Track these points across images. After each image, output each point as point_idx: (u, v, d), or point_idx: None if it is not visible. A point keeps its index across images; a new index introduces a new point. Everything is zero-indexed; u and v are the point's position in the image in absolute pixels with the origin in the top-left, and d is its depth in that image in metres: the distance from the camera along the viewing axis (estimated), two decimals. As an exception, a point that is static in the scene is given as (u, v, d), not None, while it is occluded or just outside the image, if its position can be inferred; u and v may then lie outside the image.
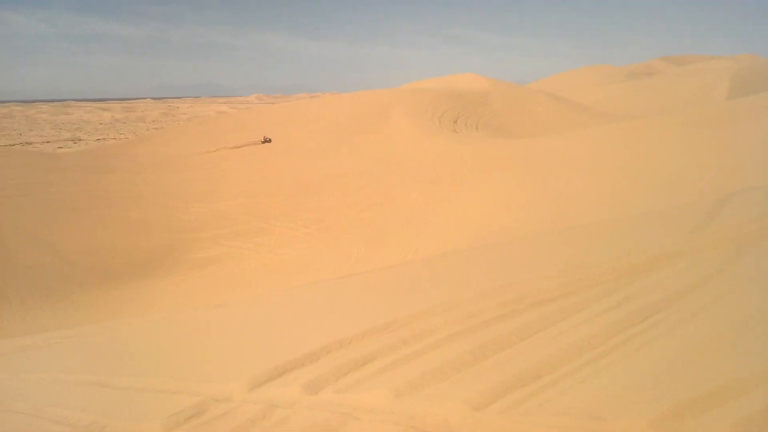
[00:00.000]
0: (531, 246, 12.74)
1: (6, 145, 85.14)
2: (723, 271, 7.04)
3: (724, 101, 69.46)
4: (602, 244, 10.82)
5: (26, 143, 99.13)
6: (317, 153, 43.85)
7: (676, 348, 5.09)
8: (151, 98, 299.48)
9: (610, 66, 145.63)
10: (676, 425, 3.77)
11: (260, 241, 28.45)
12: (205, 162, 43.56)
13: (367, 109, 54.73)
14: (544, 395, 4.79)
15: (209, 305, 13.68)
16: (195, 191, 35.40)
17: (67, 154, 48.73)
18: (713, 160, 22.11)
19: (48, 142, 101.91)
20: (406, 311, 7.88)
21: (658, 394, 4.23)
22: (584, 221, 16.82)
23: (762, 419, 3.54)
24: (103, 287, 23.70)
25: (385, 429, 4.81)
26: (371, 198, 32.45)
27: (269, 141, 34.56)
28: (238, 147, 42.37)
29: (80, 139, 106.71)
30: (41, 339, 11.46)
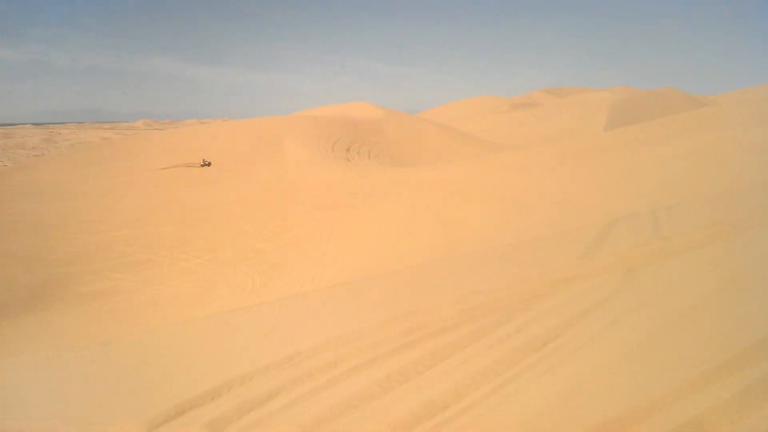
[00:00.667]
0: (429, 273, 12.89)
1: None
2: (616, 295, 7.33)
3: (602, 132, 73.15)
4: (498, 270, 11.08)
5: None
6: (209, 180, 42.94)
7: (578, 373, 5.24)
8: (31, 124, 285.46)
9: (496, 97, 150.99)
10: (585, 450, 3.85)
11: (149, 274, 27.43)
12: (88, 190, 41.81)
13: (259, 136, 54.18)
14: (454, 425, 4.82)
15: (97, 342, 13.03)
16: (77, 221, 33.86)
17: (-64, 184, 45.65)
18: (596, 187, 23.18)
19: None
20: (309, 343, 7.78)
21: (568, 421, 4.33)
22: (479, 248, 17.20)
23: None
24: (-21, 326, 22.18)
25: (293, 468, 4.70)
26: (266, 227, 32.01)
27: (209, 164, 33.04)
28: (167, 168, 40.46)
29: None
30: None
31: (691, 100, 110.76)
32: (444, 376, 5.90)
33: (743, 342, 4.73)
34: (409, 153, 58.56)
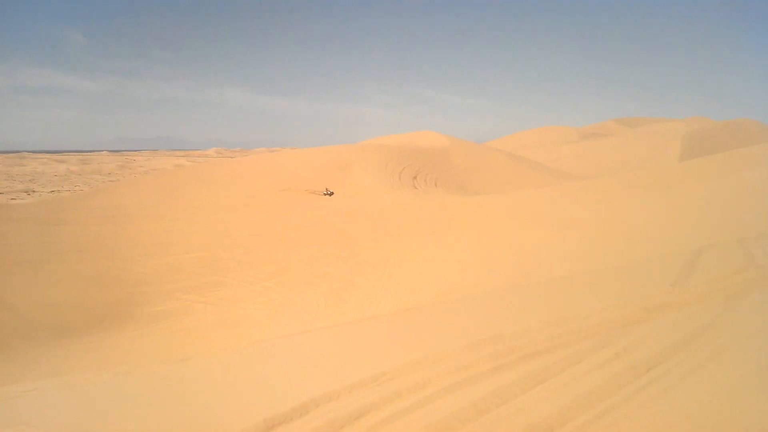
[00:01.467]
0: (506, 299, 12.63)
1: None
2: (717, 323, 6.99)
3: (677, 162, 71.44)
4: (584, 296, 10.76)
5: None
6: (277, 206, 43.52)
7: (690, 400, 4.96)
8: (107, 151, 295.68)
9: (566, 127, 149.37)
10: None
11: (218, 295, 27.80)
12: (160, 214, 42.82)
13: (328, 164, 54.79)
14: (561, 449, 4.59)
15: (174, 359, 13.17)
16: (149, 244, 34.65)
17: (20, 205, 47.42)
18: (676, 217, 22.52)
19: (0, 193, 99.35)
20: (393, 363, 7.63)
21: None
22: (554, 275, 16.82)
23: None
24: (56, 342, 22.78)
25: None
26: (333, 252, 32.14)
27: (332, 194, 33.05)
28: (299, 191, 40.63)
29: (34, 191, 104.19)
30: (-3, 394, 10.82)
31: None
32: (544, 399, 5.68)
33: None
34: (477, 181, 58.30)
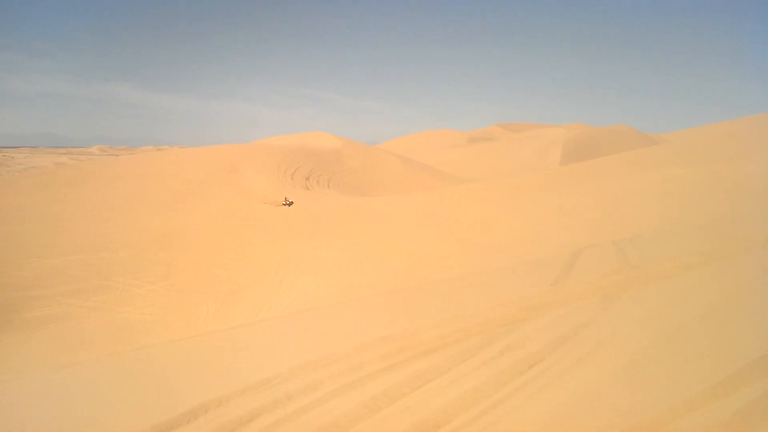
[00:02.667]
0: (398, 300, 12.83)
1: None
2: (594, 322, 7.38)
3: (558, 166, 74.42)
4: (471, 296, 11.08)
5: None
6: (166, 207, 42.32)
7: (568, 395, 5.23)
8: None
9: (454, 131, 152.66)
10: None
11: (101, 300, 26.75)
12: (41, 214, 40.80)
13: (218, 164, 53.76)
14: (448, 445, 4.74)
15: (56, 366, 12.62)
16: (29, 245, 32.94)
17: None
18: (556, 219, 23.51)
19: None
20: (285, 366, 7.64)
21: (566, 438, 4.29)
22: (443, 276, 17.21)
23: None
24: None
25: (285, 488, 4.56)
26: (224, 254, 31.60)
27: (291, 203, 31.54)
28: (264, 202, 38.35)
29: None
30: None
31: (643, 137, 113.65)
32: (432, 397, 5.84)
33: (733, 364, 4.79)
34: (369, 183, 58.72)
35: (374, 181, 60.03)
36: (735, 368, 4.70)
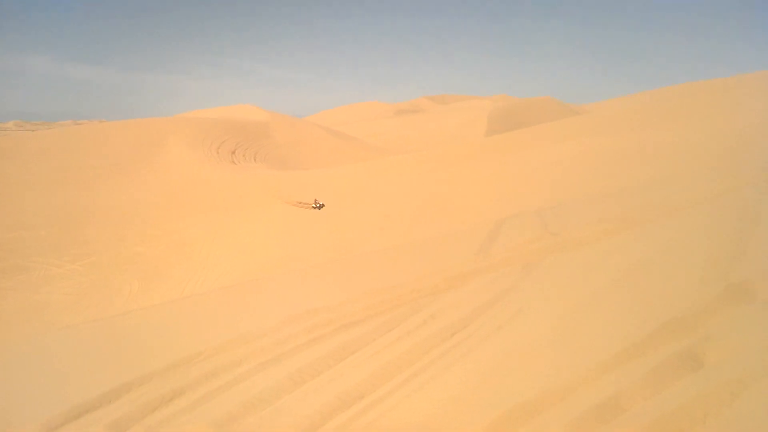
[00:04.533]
0: (326, 273, 12.82)
1: None
2: (515, 288, 7.54)
3: (483, 137, 75.40)
4: (398, 267, 11.16)
5: None
6: (87, 184, 40.97)
7: (490, 360, 5.33)
8: None
9: (382, 102, 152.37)
10: (509, 430, 3.91)
11: (20, 280, 25.83)
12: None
13: (141, 138, 52.27)
14: (371, 414, 4.79)
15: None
16: (-60, 226, 31.50)
17: None
18: (481, 190, 23.85)
19: None
20: (209, 343, 7.54)
21: (485, 403, 4.38)
22: (372, 248, 17.28)
23: (591, 418, 3.78)
24: None
25: (209, 463, 4.52)
26: (146, 231, 30.88)
27: (322, 206, 29.32)
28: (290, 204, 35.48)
29: None
30: None
31: (566, 108, 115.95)
32: (356, 368, 5.87)
33: (646, 326, 4.96)
34: (297, 156, 58.22)
35: (302, 154, 59.56)
36: (648, 330, 4.87)
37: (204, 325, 9.65)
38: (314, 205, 27.72)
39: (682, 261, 6.95)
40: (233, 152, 54.18)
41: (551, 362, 4.91)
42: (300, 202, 30.12)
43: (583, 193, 18.67)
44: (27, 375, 8.52)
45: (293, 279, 12.85)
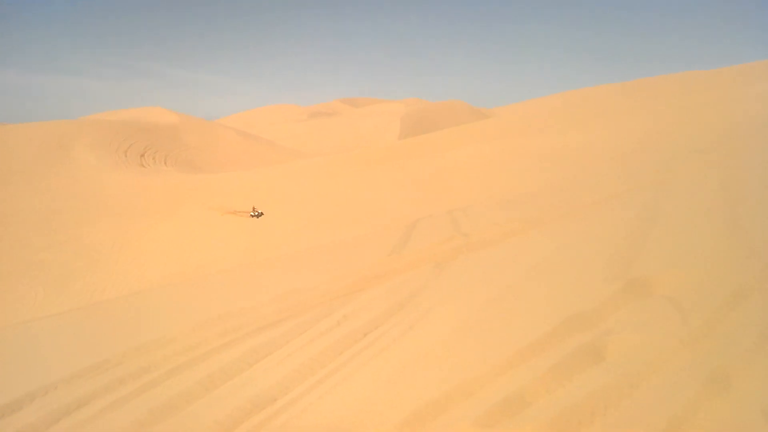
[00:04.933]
0: (239, 277, 12.71)
1: None
2: (427, 287, 7.69)
3: (396, 140, 76.04)
4: (311, 270, 11.18)
5: None
6: (-16, 189, 39.13)
7: (402, 358, 5.43)
8: None
9: (296, 105, 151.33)
10: (420, 427, 4.00)
11: None
12: None
13: (45, 141, 50.25)
14: (284, 416, 4.80)
15: None
16: None
17: None
18: (395, 192, 24.12)
19: None
20: (116, 350, 7.37)
21: (397, 401, 4.46)
22: (285, 251, 17.21)
23: (498, 413, 3.91)
24: None
25: (116, 473, 4.43)
26: (51, 236, 29.74)
27: (261, 215, 27.54)
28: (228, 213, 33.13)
29: None
30: None
31: (476, 112, 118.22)
32: (268, 371, 5.86)
33: (550, 322, 5.16)
34: (208, 159, 57.23)
35: (213, 157, 58.60)
36: (552, 325, 5.07)
37: (111, 332, 9.42)
38: (252, 214, 27.18)
39: (585, 258, 7.24)
40: (142, 155, 52.83)
41: (459, 360, 5.04)
42: (237, 211, 29.45)
43: (492, 194, 19.14)
44: None
45: (204, 284, 12.69)
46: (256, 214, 26.74)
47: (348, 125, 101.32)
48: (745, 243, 6.49)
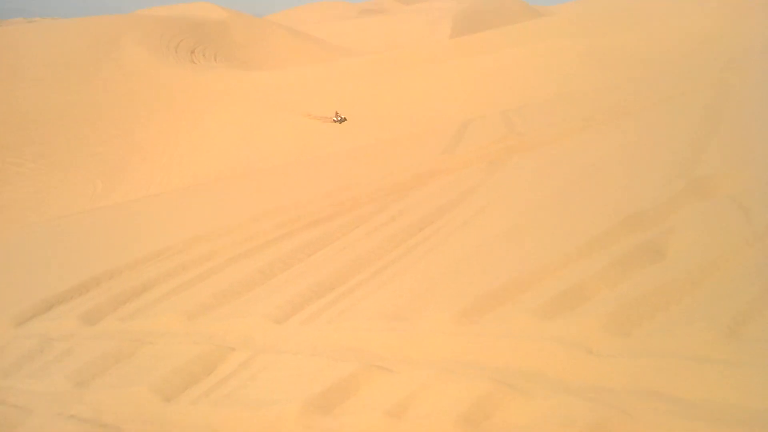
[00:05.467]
0: (292, 172, 12.85)
1: None
2: (480, 186, 7.67)
3: (447, 39, 74.29)
4: (363, 167, 11.23)
5: None
6: (42, 81, 39.65)
7: (456, 253, 5.49)
8: None
9: (345, 2, 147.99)
10: (478, 317, 4.07)
11: (-22, 180, 25.38)
12: None
13: (96, 36, 50.33)
14: (343, 303, 4.93)
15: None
16: None
17: None
18: (447, 91, 23.78)
19: None
20: (177, 239, 7.60)
21: (454, 293, 4.53)
22: (335, 149, 17.27)
23: (556, 305, 3.94)
24: None
25: (183, 350, 4.64)
26: (106, 131, 30.27)
27: (343, 120, 27.43)
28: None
29: None
30: None
31: (531, 10, 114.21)
32: (326, 261, 6.00)
33: (609, 220, 5.13)
34: (257, 57, 56.78)
35: (262, 54, 58.05)
36: (612, 223, 5.03)
37: (171, 221, 9.69)
38: (335, 119, 26.96)
39: (645, 159, 7.11)
40: (192, 51, 52.63)
41: (516, 255, 5.06)
42: (319, 116, 29.27)
43: (547, 94, 18.72)
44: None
45: (257, 178, 12.87)
46: (339, 119, 26.52)
47: (398, 23, 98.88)
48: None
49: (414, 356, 3.87)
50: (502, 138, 10.48)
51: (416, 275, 5.18)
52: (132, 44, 48.23)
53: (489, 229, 5.95)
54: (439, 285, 4.81)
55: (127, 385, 4.33)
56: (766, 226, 4.51)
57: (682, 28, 25.24)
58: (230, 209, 9.58)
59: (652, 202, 5.24)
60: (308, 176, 11.76)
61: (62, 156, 27.70)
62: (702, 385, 2.86)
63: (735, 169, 5.92)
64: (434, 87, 25.49)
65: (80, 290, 6.38)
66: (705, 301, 3.69)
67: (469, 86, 24.31)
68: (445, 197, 7.35)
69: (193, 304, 5.43)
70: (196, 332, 4.97)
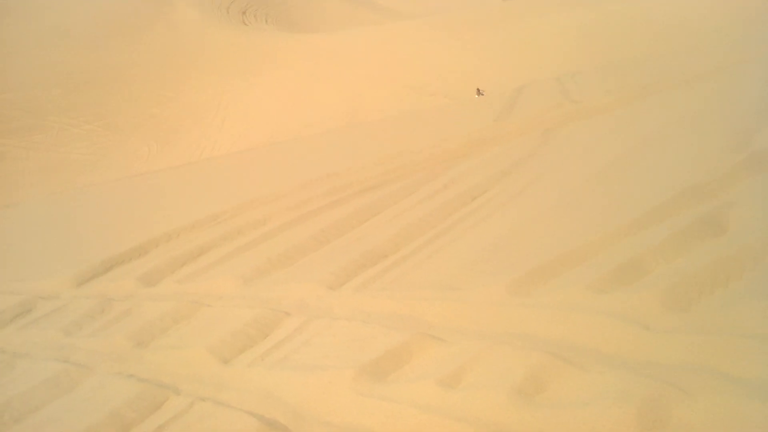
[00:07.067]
0: (341, 138, 12.90)
1: None
2: (535, 155, 7.60)
3: (500, 2, 72.90)
4: (413, 134, 11.20)
5: None
6: (95, 42, 40.19)
7: (510, 223, 5.46)
8: None
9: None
10: (532, 289, 4.06)
11: (38, 139, 26.00)
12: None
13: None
14: (395, 271, 4.97)
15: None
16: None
17: None
18: (498, 56, 23.42)
19: None
20: (232, 203, 7.74)
21: (508, 263, 4.52)
22: (385, 115, 17.24)
23: (613, 279, 3.91)
24: None
25: (240, 313, 4.75)
26: (160, 92, 30.64)
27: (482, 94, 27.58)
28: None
29: None
30: None
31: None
32: (378, 229, 6.04)
33: (667, 192, 5.02)
34: (309, 18, 56.60)
35: (314, 16, 57.84)
36: (670, 195, 4.92)
37: (225, 186, 9.85)
38: (478, 94, 26.55)
39: (703, 129, 6.93)
40: (244, 12, 52.64)
41: (571, 226, 5.01)
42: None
43: (602, 61, 18.32)
44: (54, 232, 8.81)
45: (309, 144, 12.94)
46: (479, 94, 26.14)
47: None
48: None
49: (467, 326, 3.90)
50: (557, 105, 10.33)
51: (468, 245, 5.18)
52: (183, 4, 48.41)
53: (543, 199, 5.90)
54: (491, 255, 4.80)
55: (186, 347, 4.47)
56: (830, 202, 4.39)
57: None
58: (281, 175, 9.69)
59: (711, 175, 5.10)
60: (358, 142, 11.80)
61: (117, 118, 28.20)
62: (762, 364, 2.83)
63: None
64: (485, 51, 25.13)
65: (139, 252, 6.56)
66: (766, 277, 3.62)
67: (521, 51, 23.90)
68: (498, 166, 7.29)
69: (248, 268, 5.55)
70: (251, 296, 5.08)
